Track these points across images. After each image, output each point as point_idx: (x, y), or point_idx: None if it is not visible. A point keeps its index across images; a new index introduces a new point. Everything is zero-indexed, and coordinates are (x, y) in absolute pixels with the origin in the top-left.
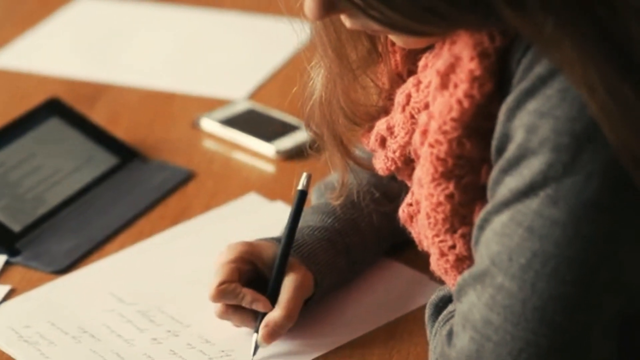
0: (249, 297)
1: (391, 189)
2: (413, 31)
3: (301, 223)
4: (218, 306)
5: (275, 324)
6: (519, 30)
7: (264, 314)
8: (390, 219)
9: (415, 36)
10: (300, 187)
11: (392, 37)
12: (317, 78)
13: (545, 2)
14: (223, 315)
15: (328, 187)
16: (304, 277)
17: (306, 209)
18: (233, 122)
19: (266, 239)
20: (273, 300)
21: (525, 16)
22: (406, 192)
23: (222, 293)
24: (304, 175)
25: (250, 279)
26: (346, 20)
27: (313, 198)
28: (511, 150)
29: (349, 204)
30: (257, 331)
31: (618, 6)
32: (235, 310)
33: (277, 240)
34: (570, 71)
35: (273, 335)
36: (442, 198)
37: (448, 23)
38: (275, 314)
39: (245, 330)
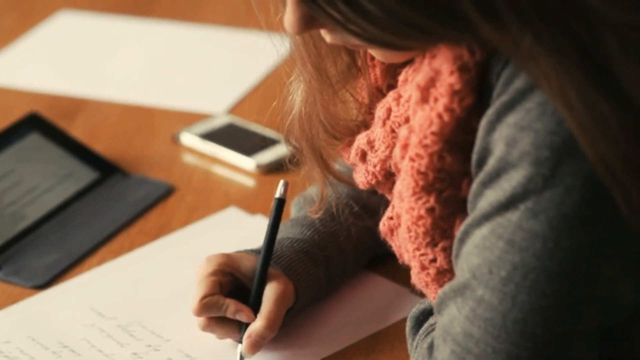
0: (232, 308)
1: (370, 203)
2: (393, 45)
3: (281, 235)
4: (201, 319)
5: (257, 335)
6: (497, 44)
7: (248, 325)
8: (370, 232)
9: (395, 50)
10: (277, 195)
11: (372, 51)
12: (297, 92)
13: (522, 17)
14: (207, 328)
15: (307, 200)
16: (286, 287)
17: (285, 222)
18: (213, 136)
19: (245, 251)
20: (255, 310)
21: (503, 30)
22: (386, 206)
23: (206, 306)
24: (281, 182)
25: (231, 290)
26: (326, 35)
27: (292, 211)
28: (491, 163)
29: (328, 217)
30: (241, 342)
31: (594, 22)
32: (219, 322)
33: (255, 251)
34: (548, 86)
35: (256, 345)
36: (422, 212)
37: (427, 37)
38: (257, 325)
39: (225, 344)
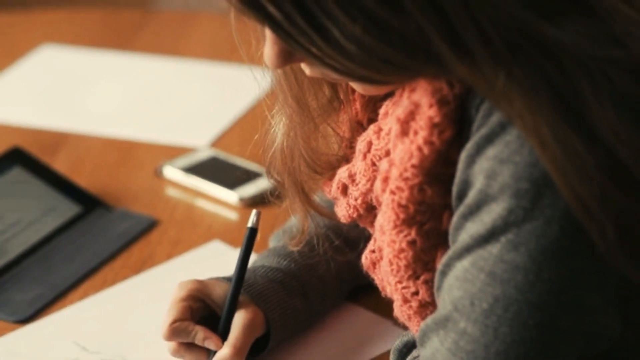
0: (201, 335)
1: (350, 237)
2: (371, 80)
3: (257, 263)
4: (171, 344)
5: None
6: (471, 83)
7: (216, 352)
8: (350, 265)
9: (374, 85)
10: (249, 224)
11: (352, 84)
12: (279, 126)
13: (495, 57)
14: (176, 353)
15: (287, 232)
16: (254, 316)
17: (263, 251)
18: (196, 170)
19: (217, 278)
20: (224, 338)
21: (476, 70)
22: (367, 240)
23: (175, 331)
24: (254, 212)
25: (203, 316)
26: (306, 68)
27: (271, 244)
28: (471, 196)
29: (307, 248)
30: None
31: (566, 61)
32: (188, 347)
33: (227, 279)
34: (522, 124)
35: None
36: (404, 244)
37: (404, 73)
38: (224, 352)
39: None
